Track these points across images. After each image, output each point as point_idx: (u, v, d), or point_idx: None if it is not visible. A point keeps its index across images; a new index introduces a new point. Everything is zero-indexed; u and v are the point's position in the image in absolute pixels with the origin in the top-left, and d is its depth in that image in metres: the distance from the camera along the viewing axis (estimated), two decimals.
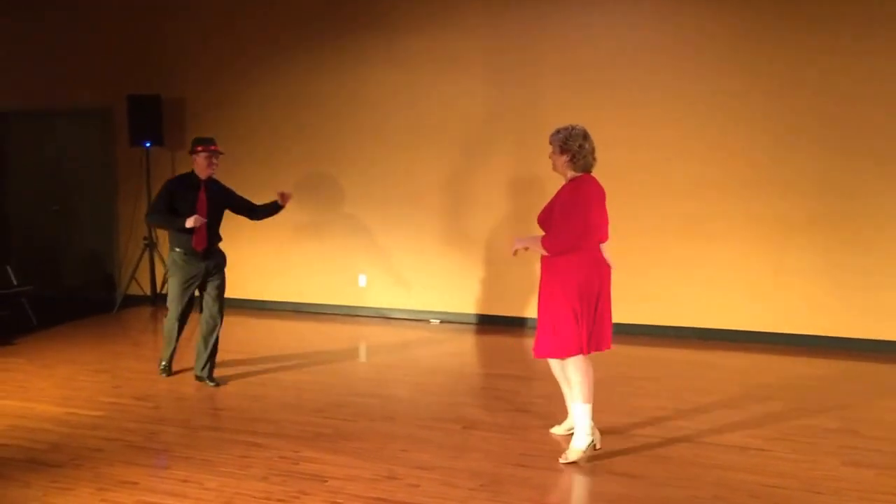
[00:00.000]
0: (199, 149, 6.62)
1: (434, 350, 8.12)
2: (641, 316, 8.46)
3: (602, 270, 5.02)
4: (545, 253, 4.99)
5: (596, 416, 5.54)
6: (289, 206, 9.75)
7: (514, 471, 4.85)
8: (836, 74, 7.73)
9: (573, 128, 5.06)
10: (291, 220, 9.75)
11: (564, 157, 5.03)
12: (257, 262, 9.98)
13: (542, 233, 5.09)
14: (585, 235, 4.93)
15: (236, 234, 10.05)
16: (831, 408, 6.07)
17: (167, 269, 6.98)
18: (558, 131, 5.09)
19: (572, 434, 5.24)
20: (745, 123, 8.03)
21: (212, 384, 6.71)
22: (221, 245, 6.91)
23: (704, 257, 8.23)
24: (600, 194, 5.06)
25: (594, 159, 5.10)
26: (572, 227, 4.88)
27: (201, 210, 6.57)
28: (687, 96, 8.20)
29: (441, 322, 9.19)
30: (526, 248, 5.14)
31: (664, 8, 8.23)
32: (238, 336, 8.77)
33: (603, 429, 5.44)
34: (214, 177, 6.74)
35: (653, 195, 8.34)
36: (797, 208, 7.92)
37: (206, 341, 6.78)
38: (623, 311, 8.40)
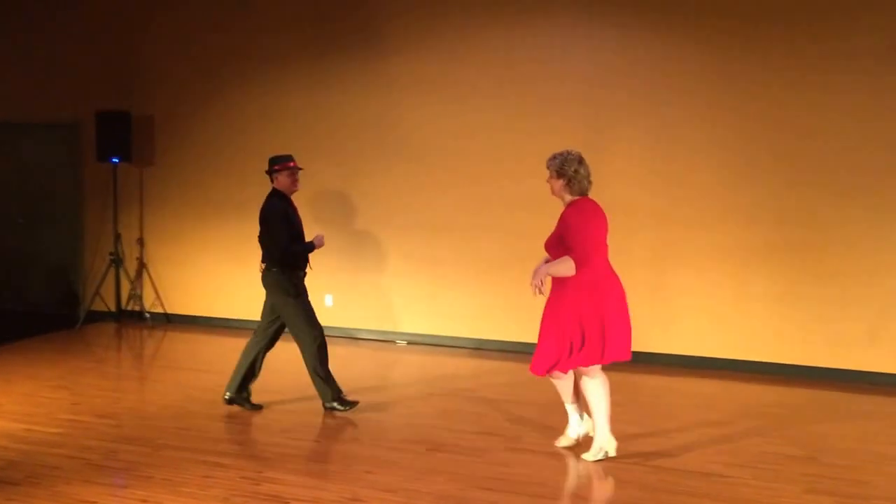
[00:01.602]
0: (290, 165, 6.48)
1: (401, 371, 8.10)
2: None
3: (617, 283, 5.31)
4: (573, 273, 5.11)
5: (555, 439, 5.63)
6: (256, 222, 9.76)
7: (478, 494, 4.85)
8: (794, 109, 7.83)
9: (569, 153, 5.31)
10: (255, 238, 9.68)
11: (561, 182, 5.26)
12: (224, 278, 9.91)
13: (548, 256, 5.34)
14: (594, 253, 5.18)
15: (201, 250, 10.05)
16: (793, 435, 6.11)
17: (284, 294, 6.46)
18: (554, 157, 5.32)
19: (603, 453, 5.44)
20: (707, 155, 8.12)
21: (255, 407, 6.49)
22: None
23: (669, 285, 8.30)
24: (601, 214, 5.33)
25: (590, 183, 5.35)
26: (589, 242, 5.15)
27: (301, 226, 6.54)
28: (651, 129, 8.28)
29: (408, 343, 9.17)
30: (542, 282, 5.25)
31: (630, 41, 8.31)
32: (203, 354, 8.71)
33: (565, 450, 5.50)
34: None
35: (618, 224, 8.37)
36: (758, 238, 7.99)
37: (258, 361, 6.55)
38: None
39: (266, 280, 6.51)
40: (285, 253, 6.35)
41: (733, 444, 5.82)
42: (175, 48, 9.96)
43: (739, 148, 8.03)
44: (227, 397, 6.47)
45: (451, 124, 8.91)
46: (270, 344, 6.62)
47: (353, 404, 6.43)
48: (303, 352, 6.47)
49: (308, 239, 6.55)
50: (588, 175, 5.31)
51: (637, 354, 8.29)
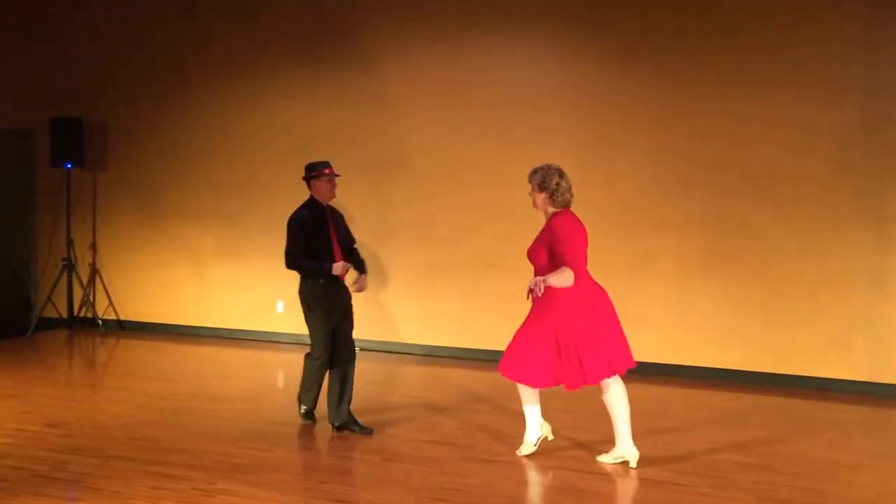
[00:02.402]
0: (326, 171, 6.21)
1: (354, 378, 8.04)
2: None
3: (603, 294, 5.41)
4: (570, 284, 5.15)
5: (511, 448, 5.70)
6: (210, 229, 9.69)
7: None
8: (731, 120, 7.98)
9: (549, 167, 5.42)
10: (211, 244, 9.65)
11: (544, 195, 5.37)
12: (177, 285, 9.80)
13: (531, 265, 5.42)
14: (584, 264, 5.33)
15: (155, 256, 9.92)
16: (743, 442, 6.16)
17: (304, 305, 6.27)
18: (535, 171, 5.43)
19: (621, 461, 5.49)
20: (646, 167, 8.24)
21: (366, 431, 6.12)
22: None
23: (611, 293, 8.34)
24: (584, 226, 5.43)
25: (571, 195, 5.44)
26: (578, 251, 5.27)
27: (334, 237, 6.23)
28: (588, 141, 8.37)
29: (360, 350, 9.10)
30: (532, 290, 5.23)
31: (566, 57, 8.46)
32: (156, 362, 8.60)
33: (520, 459, 5.53)
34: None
35: None
36: (701, 246, 8.10)
37: (346, 379, 6.20)
38: None
39: (299, 291, 6.30)
40: (293, 264, 6.16)
41: (686, 452, 5.84)
42: (128, 55, 9.87)
43: (677, 158, 8.16)
44: (336, 424, 6.14)
45: (411, 136, 8.91)
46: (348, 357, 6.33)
47: (313, 421, 6.32)
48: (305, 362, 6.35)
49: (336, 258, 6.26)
50: (570, 188, 5.40)
51: None
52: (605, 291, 5.45)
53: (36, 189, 10.34)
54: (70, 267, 9.88)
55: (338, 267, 6.04)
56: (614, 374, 5.40)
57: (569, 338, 5.27)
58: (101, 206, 10.08)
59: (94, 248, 10.10)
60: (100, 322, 9.88)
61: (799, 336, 7.86)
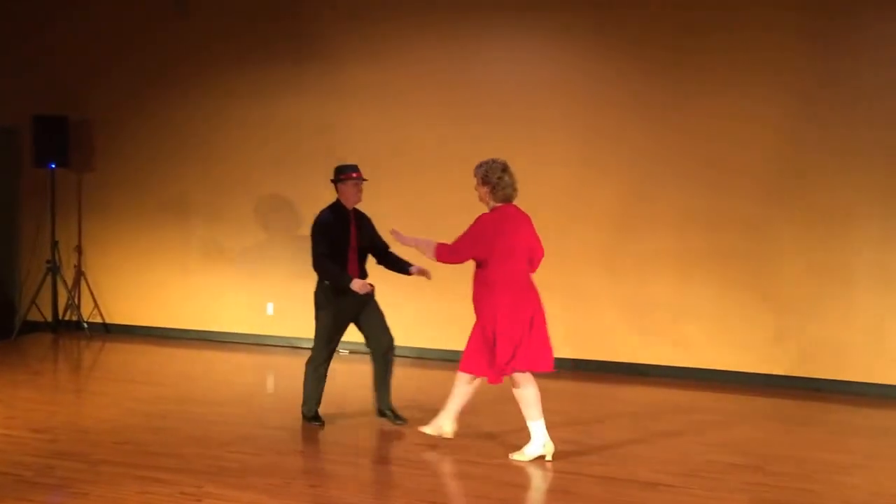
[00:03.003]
0: (353, 175, 6.20)
1: (344, 381, 7.98)
2: None
3: (530, 295, 5.47)
4: (430, 255, 5.57)
5: (502, 450, 5.71)
6: (197, 231, 9.62)
7: None
8: (720, 118, 7.97)
9: (493, 161, 5.51)
10: (199, 246, 9.57)
11: (486, 189, 5.48)
12: (164, 287, 9.72)
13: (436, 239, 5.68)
14: (499, 261, 5.39)
15: (141, 258, 9.82)
16: (736, 443, 6.15)
17: (316, 305, 6.29)
18: (480, 165, 5.53)
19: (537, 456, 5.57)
20: (636, 164, 8.22)
21: (401, 422, 6.34)
22: None
23: (599, 290, 8.36)
24: (521, 222, 5.50)
25: (515, 190, 5.53)
26: (464, 246, 5.48)
27: (354, 242, 6.23)
28: (581, 137, 8.34)
29: (351, 353, 9.07)
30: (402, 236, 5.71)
31: (561, 51, 8.43)
32: (142, 365, 8.52)
33: (512, 465, 5.47)
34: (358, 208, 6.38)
35: (555, 229, 8.42)
36: (699, 244, 8.07)
37: (387, 373, 6.35)
38: None
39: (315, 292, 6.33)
40: (318, 264, 6.14)
41: (679, 453, 5.83)
42: (114, 54, 9.77)
43: (669, 156, 8.14)
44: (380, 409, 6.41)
45: (394, 133, 8.86)
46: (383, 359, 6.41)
47: (320, 422, 6.32)
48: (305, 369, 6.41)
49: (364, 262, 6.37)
50: (513, 183, 5.51)
51: (585, 363, 8.40)
52: (533, 293, 5.53)
53: (19, 189, 10.22)
54: (54, 269, 9.78)
55: (357, 284, 6.00)
56: (528, 370, 5.51)
57: (490, 331, 5.44)
58: (86, 207, 9.98)
59: (79, 249, 10.00)
60: (85, 325, 9.79)
61: (794, 337, 7.86)
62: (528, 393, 5.56)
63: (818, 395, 7.61)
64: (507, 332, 5.40)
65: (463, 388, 5.69)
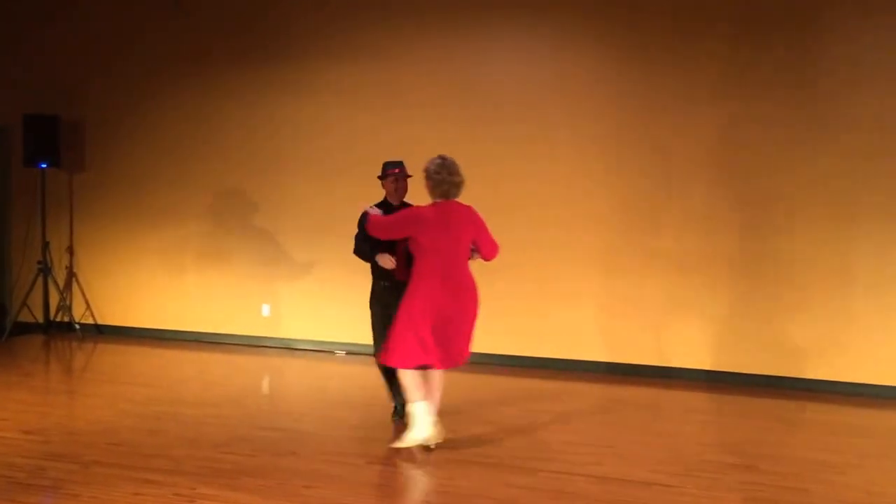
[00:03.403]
0: (394, 171, 6.28)
1: (340, 383, 7.99)
2: (540, 349, 8.50)
3: (447, 292, 5.61)
4: (360, 226, 6.02)
5: (500, 450, 5.67)
6: (192, 231, 9.60)
7: None
8: (725, 120, 7.99)
9: (440, 158, 5.76)
10: (193, 247, 9.53)
11: (428, 184, 5.77)
12: (157, 289, 9.70)
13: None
14: (423, 257, 5.62)
15: (133, 259, 9.80)
16: (730, 443, 6.18)
17: (370, 301, 6.44)
18: (430, 161, 5.78)
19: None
20: (637, 164, 8.23)
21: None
22: None
23: (601, 290, 8.36)
24: (445, 220, 5.66)
25: (455, 188, 5.76)
26: (395, 231, 5.81)
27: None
28: (588, 135, 8.34)
29: (347, 354, 9.07)
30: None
31: (561, 51, 8.42)
32: (136, 367, 8.50)
33: (508, 461, 5.45)
34: (407, 201, 6.36)
35: (549, 227, 8.45)
36: (693, 247, 8.09)
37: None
38: (521, 343, 8.53)
39: None
40: (355, 247, 6.33)
41: (675, 453, 5.84)
42: (106, 53, 9.75)
43: (669, 159, 8.16)
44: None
45: (383, 134, 8.83)
46: None
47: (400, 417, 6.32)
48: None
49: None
50: (456, 182, 5.72)
51: (584, 363, 8.39)
52: (459, 290, 5.66)
53: (10, 189, 10.18)
54: (46, 270, 9.74)
55: (384, 258, 6.04)
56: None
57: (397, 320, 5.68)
58: (78, 208, 9.95)
59: (70, 250, 9.97)
60: (77, 326, 9.75)
61: (787, 338, 7.87)
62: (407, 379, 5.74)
63: (813, 395, 7.63)
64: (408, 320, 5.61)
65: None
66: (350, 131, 8.98)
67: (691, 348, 8.16)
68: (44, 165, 9.56)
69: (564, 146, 8.42)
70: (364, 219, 6.15)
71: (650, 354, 8.26)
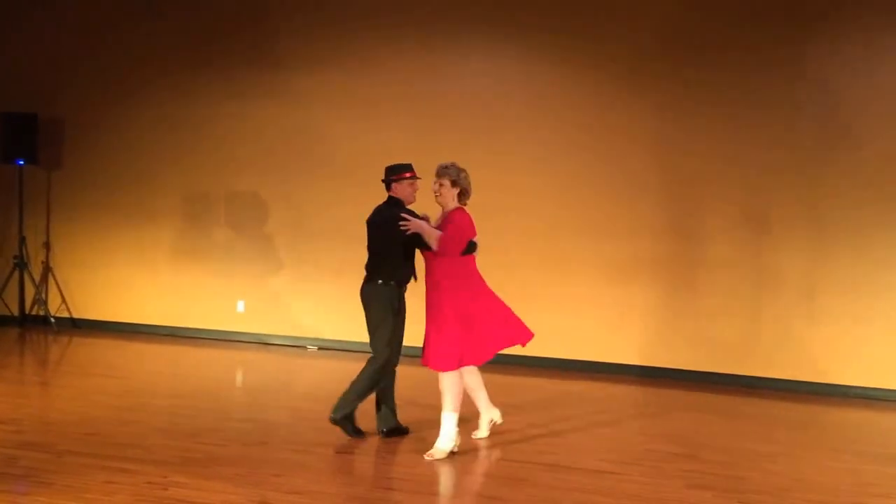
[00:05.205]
0: (407, 175, 5.97)
1: (311, 376, 8.16)
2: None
3: (483, 290, 5.76)
4: (435, 247, 5.51)
5: (467, 442, 5.88)
6: (167, 229, 9.70)
7: (384, 494, 5.00)
8: (674, 132, 8.35)
9: (460, 167, 5.70)
10: (168, 244, 9.67)
11: (455, 190, 5.66)
12: (133, 284, 9.83)
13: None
14: (465, 258, 5.64)
15: (109, 254, 9.93)
16: (672, 434, 6.52)
17: (386, 309, 5.98)
18: (447, 167, 5.68)
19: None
20: (597, 173, 8.57)
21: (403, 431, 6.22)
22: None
23: (561, 292, 8.66)
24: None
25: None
26: (458, 243, 5.54)
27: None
28: (547, 146, 8.65)
29: (319, 349, 9.24)
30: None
31: (527, 66, 8.73)
32: (110, 360, 8.60)
33: (465, 453, 5.71)
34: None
35: (515, 233, 8.71)
36: (642, 250, 8.44)
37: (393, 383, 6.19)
38: None
39: (370, 292, 6.05)
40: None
41: (621, 443, 6.16)
42: (86, 52, 9.85)
43: (624, 164, 8.49)
44: (384, 430, 6.11)
45: (363, 138, 9.04)
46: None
47: (360, 434, 6.08)
48: (365, 367, 6.10)
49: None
50: (470, 188, 5.75)
51: (539, 360, 8.63)
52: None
53: None
54: (21, 265, 9.84)
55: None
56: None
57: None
58: (55, 204, 10.05)
59: (47, 245, 10.06)
60: (52, 320, 9.86)
61: (730, 336, 8.26)
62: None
63: (747, 390, 8.08)
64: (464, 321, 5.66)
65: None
66: (324, 136, 9.17)
67: (636, 346, 8.52)
68: (21, 162, 9.65)
69: (522, 157, 8.71)
70: (421, 234, 5.69)
71: (599, 351, 8.60)
